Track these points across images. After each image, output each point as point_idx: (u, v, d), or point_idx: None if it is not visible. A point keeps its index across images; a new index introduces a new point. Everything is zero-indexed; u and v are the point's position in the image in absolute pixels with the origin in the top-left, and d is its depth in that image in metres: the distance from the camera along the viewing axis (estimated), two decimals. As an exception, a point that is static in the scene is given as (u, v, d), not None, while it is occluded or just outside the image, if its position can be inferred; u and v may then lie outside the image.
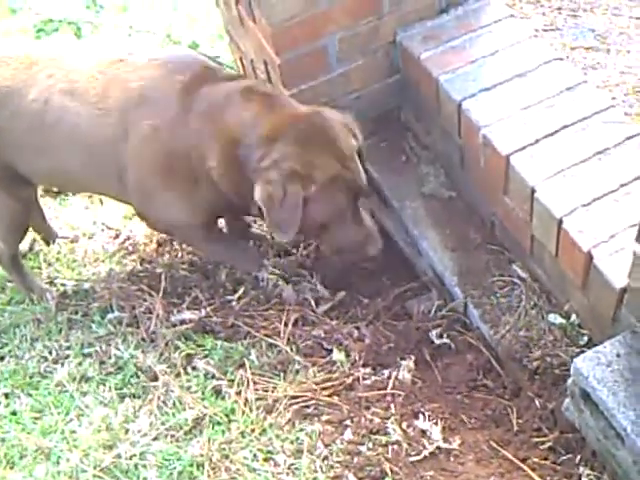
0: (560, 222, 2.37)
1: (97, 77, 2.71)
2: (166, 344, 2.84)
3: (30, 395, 2.78)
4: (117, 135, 2.68)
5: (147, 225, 3.13)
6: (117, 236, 3.53)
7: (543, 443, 2.45)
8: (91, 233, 3.58)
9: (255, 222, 3.41)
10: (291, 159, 2.53)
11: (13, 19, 4.88)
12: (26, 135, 2.79)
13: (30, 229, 3.42)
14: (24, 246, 3.48)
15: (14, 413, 2.74)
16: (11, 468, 2.55)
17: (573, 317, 2.60)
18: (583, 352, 2.33)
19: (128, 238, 3.50)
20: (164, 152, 2.68)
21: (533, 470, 2.36)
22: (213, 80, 2.70)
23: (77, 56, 2.82)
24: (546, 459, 2.40)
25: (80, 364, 2.85)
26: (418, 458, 2.39)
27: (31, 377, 2.86)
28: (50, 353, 2.93)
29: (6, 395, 2.82)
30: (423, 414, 2.52)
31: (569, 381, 2.35)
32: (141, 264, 3.32)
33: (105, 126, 2.68)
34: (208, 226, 3.01)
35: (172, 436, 2.55)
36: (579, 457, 2.38)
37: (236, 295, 3.02)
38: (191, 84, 2.66)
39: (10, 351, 3.02)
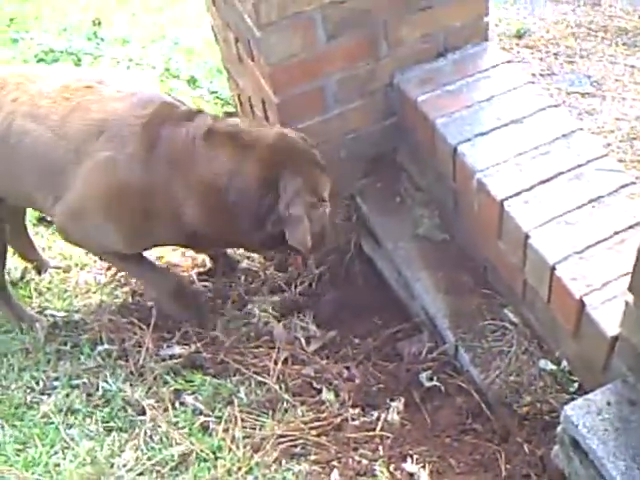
0: (553, 269, 2.37)
1: (61, 103, 2.72)
2: (155, 378, 2.83)
3: (15, 426, 2.76)
4: (69, 157, 2.69)
5: (62, 237, 3.07)
6: (109, 268, 3.50)
7: (531, 490, 2.44)
8: (83, 264, 3.55)
9: (248, 258, 3.41)
10: (303, 191, 2.61)
11: (14, 48, 4.92)
12: None
13: (21, 259, 3.44)
14: (16, 275, 3.47)
15: (-3, 444, 2.72)
16: (-7, 502, 2.53)
17: (564, 363, 2.59)
18: (573, 399, 2.32)
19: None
20: (117, 185, 2.67)
21: (521, 517, 2.35)
22: (173, 118, 2.70)
23: (44, 80, 2.82)
24: (534, 506, 2.39)
25: (67, 396, 2.83)
26: (405, 502, 2.39)
27: (17, 408, 2.83)
28: (37, 384, 2.91)
29: (-10, 425, 2.80)
30: (411, 457, 2.51)
31: (559, 428, 2.33)
32: (132, 297, 3.30)
33: (58, 148, 2.69)
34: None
35: (158, 472, 2.53)
36: (567, 505, 2.37)
37: (226, 331, 3.01)
38: (152, 121, 2.66)
39: (-3, 380, 3.00)
